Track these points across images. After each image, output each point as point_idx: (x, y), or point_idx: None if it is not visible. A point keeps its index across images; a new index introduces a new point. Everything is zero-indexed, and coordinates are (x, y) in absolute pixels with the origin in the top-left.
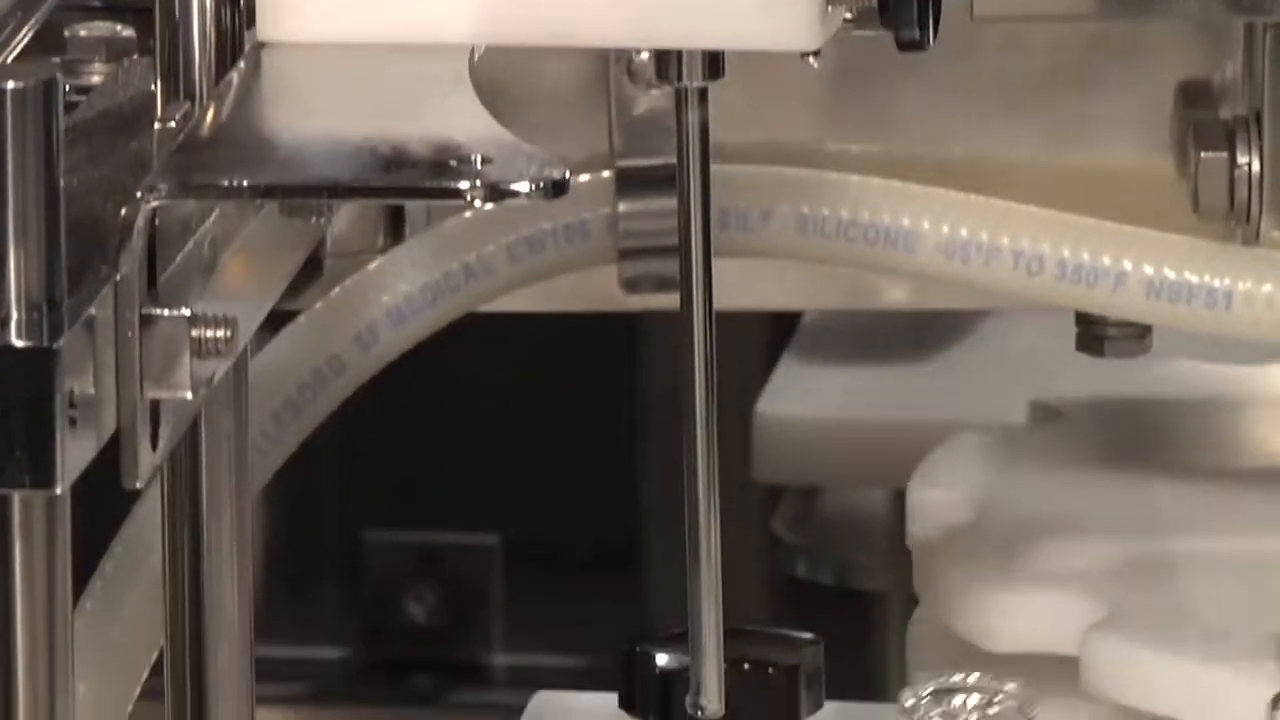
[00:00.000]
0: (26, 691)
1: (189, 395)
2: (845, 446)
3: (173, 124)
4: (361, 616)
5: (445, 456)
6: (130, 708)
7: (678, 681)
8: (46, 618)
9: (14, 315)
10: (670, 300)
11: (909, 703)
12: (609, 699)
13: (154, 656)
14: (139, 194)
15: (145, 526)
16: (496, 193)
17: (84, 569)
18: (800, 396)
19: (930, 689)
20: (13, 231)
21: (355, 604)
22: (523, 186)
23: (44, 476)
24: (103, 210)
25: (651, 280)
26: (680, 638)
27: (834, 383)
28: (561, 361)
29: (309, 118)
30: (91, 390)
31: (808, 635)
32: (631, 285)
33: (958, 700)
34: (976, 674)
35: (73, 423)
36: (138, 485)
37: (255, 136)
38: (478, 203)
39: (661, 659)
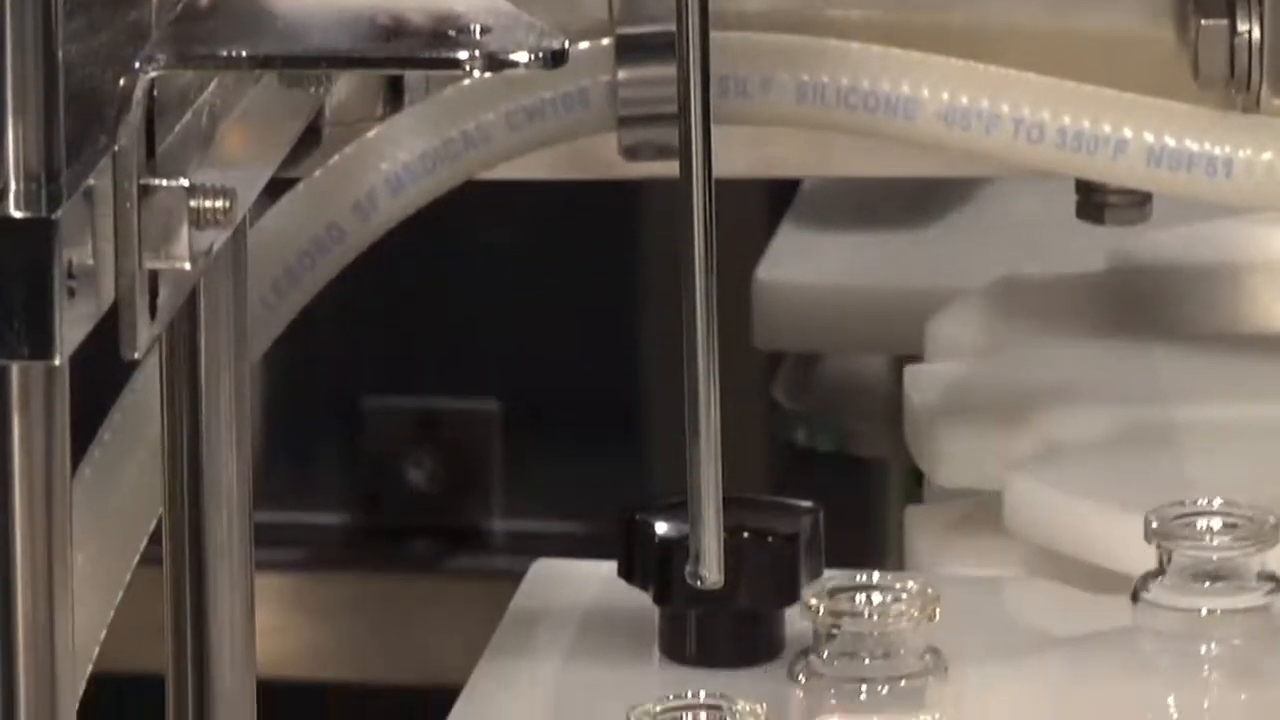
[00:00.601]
0: (25, 560)
1: (187, 266)
2: (845, 313)
3: None
4: (360, 482)
5: (445, 323)
6: (128, 576)
7: (677, 550)
8: (45, 489)
9: (12, 186)
10: (670, 168)
11: (810, 601)
12: (608, 567)
13: (153, 524)
14: (137, 65)
15: (144, 395)
16: (495, 63)
17: (83, 438)
18: (800, 263)
19: (830, 586)
20: (11, 102)
21: (354, 470)
22: (521, 56)
23: (42, 347)
24: (101, 80)
25: (651, 148)
26: (679, 506)
27: (833, 249)
28: (561, 229)
29: None
30: (90, 261)
31: (807, 504)
32: (631, 153)
33: (860, 597)
34: (878, 573)
35: (71, 293)
36: (136, 355)
37: (254, 6)
38: (476, 73)
39: (660, 528)
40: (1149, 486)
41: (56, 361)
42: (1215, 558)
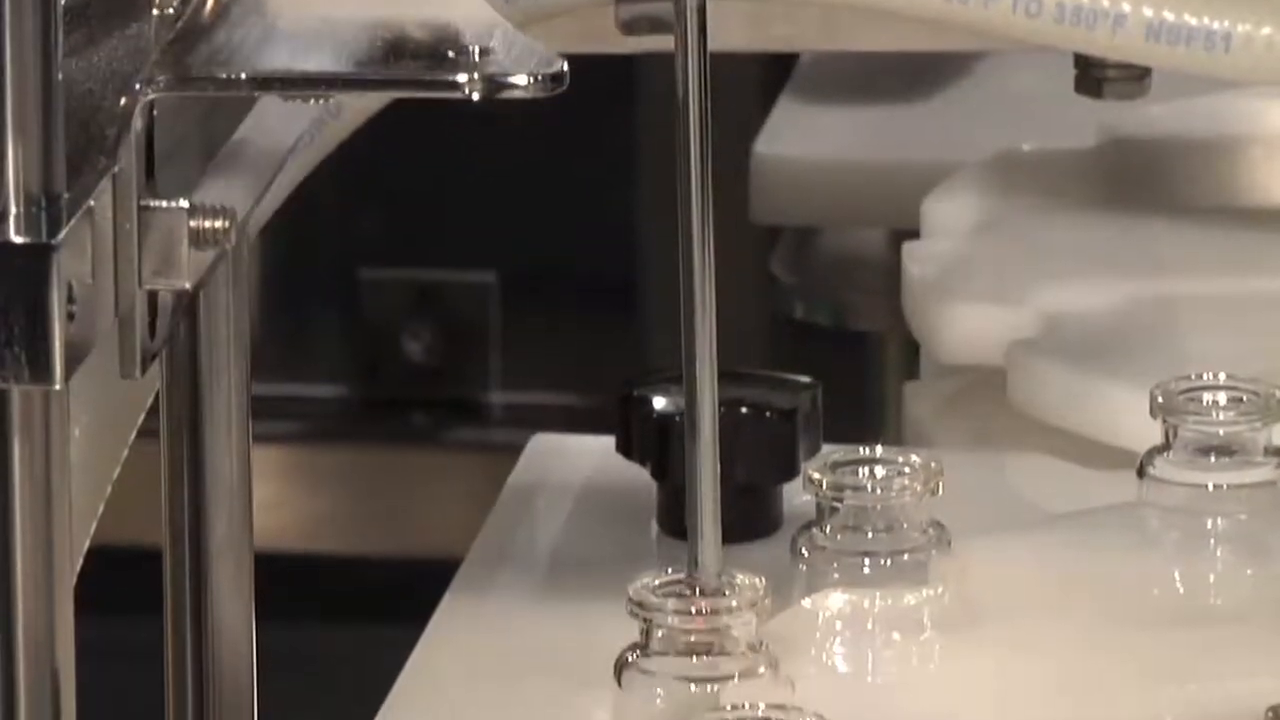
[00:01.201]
0: (23, 438)
1: (186, 285)
2: (843, 187)
3: (170, 10)
4: (358, 355)
5: (443, 195)
6: (125, 452)
7: (674, 425)
8: (45, 512)
9: (12, 210)
10: (666, 42)
11: (813, 475)
12: (606, 442)
13: (149, 400)
14: (137, 85)
15: None
16: (493, 86)
17: None
18: (798, 137)
19: (832, 460)
20: (12, 124)
21: (352, 343)
22: (520, 80)
23: (43, 371)
24: (100, 101)
25: (647, 22)
26: (677, 380)
27: (831, 123)
28: (559, 102)
29: (307, 5)
30: (89, 283)
31: (805, 379)
32: (628, 27)
33: (863, 471)
34: (881, 447)
35: (71, 317)
36: (136, 376)
37: (252, 25)
38: (475, 96)
39: (658, 403)
40: (1152, 361)
41: (57, 386)
42: (1221, 432)
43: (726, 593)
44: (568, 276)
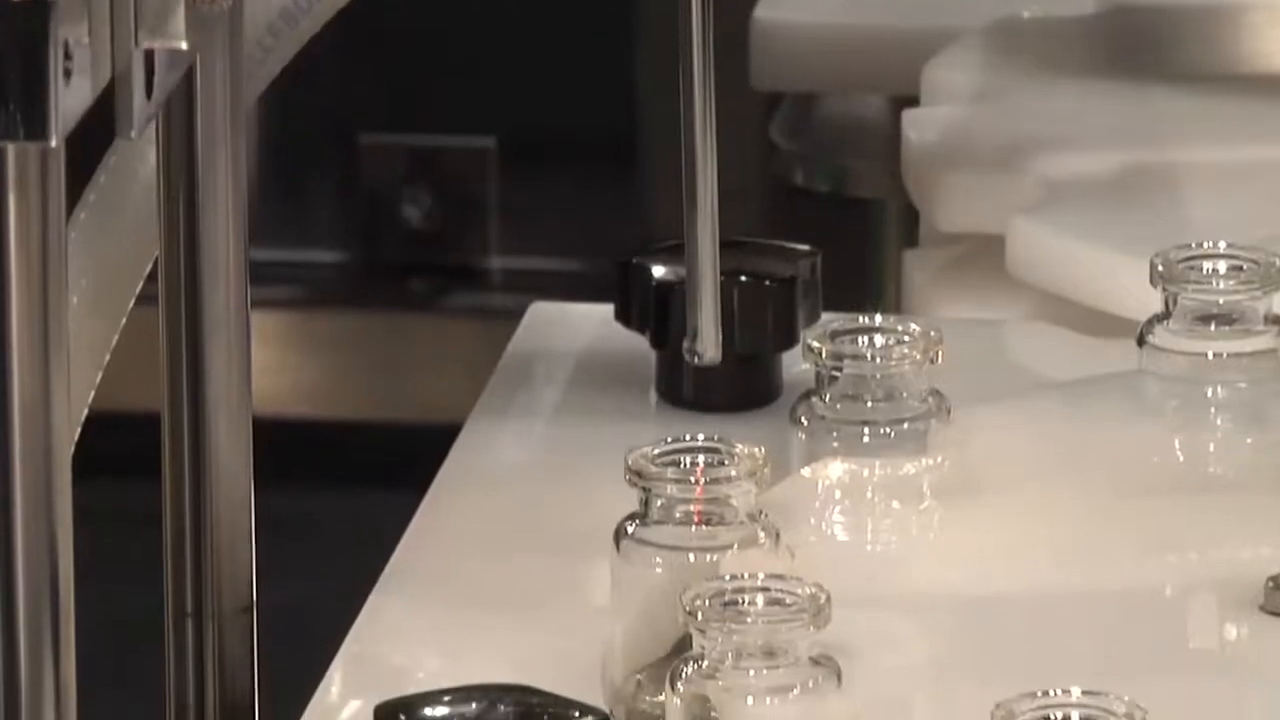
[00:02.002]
0: (21, 339)
1: (184, 45)
2: (843, 53)
3: None
4: (357, 220)
5: (441, 59)
6: (124, 319)
7: (673, 294)
8: (41, 270)
9: None
10: None
11: (813, 343)
12: (605, 310)
13: (148, 267)
14: None
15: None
16: None
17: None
18: (798, 2)
19: (832, 328)
20: None
21: (351, 207)
22: None
23: (38, 128)
24: None
25: None
26: (677, 249)
27: None
28: None
29: None
30: (86, 40)
31: (805, 247)
32: None
33: (863, 340)
34: (880, 315)
35: (67, 74)
36: (133, 135)
37: None
38: None
39: (657, 271)
40: (1152, 229)
41: (53, 143)
42: (1221, 300)
43: (725, 462)
44: (567, 142)
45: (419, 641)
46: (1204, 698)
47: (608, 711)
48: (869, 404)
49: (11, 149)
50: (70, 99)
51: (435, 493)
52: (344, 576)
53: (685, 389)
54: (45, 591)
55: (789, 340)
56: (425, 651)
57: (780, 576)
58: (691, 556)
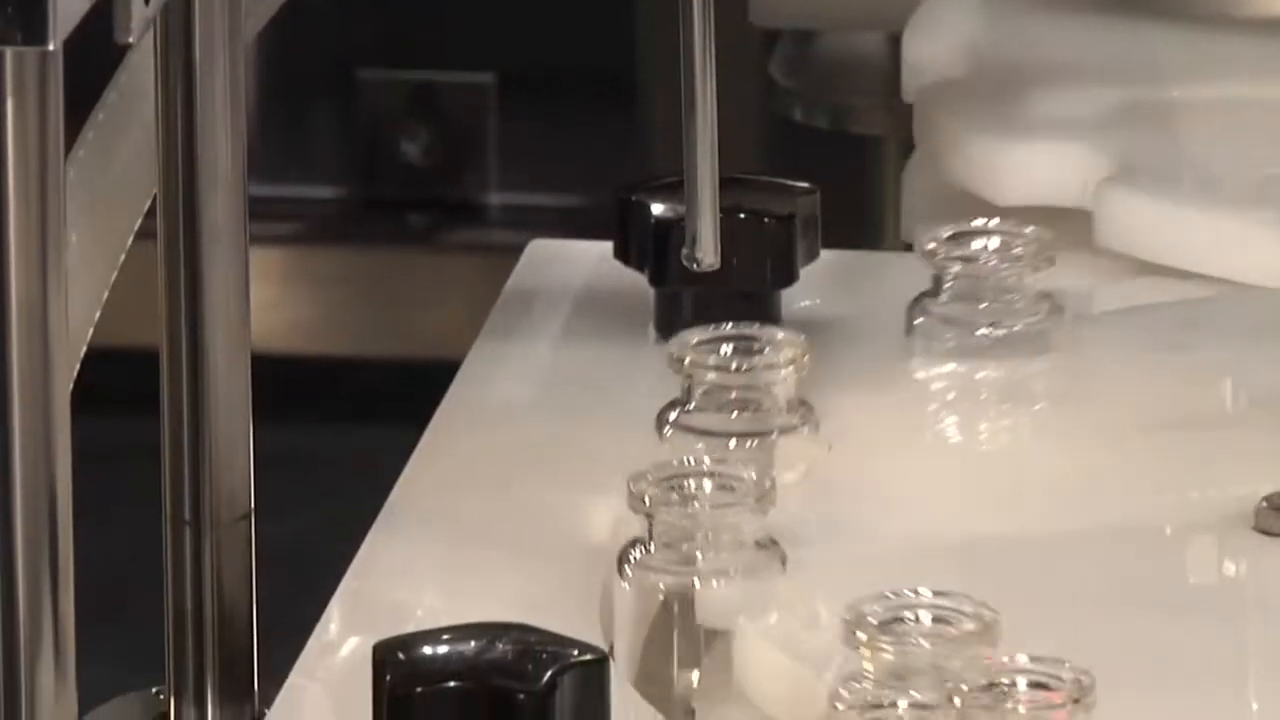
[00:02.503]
0: (19, 245)
1: None
2: None
3: None
4: (357, 156)
5: None
6: (123, 254)
7: (673, 231)
8: (39, 175)
9: None
10: None
11: (929, 246)
12: (604, 247)
13: (148, 203)
14: None
15: (138, 74)
16: None
17: (78, 126)
18: None
19: (949, 232)
20: None
21: (351, 143)
22: None
23: (37, 32)
24: None
25: None
26: (676, 186)
27: None
28: None
29: None
30: None
31: (804, 184)
32: None
33: (977, 243)
34: (996, 219)
35: None
36: (130, 40)
37: None
38: None
39: (656, 208)
40: (1150, 163)
41: (51, 46)
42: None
43: (768, 350)
44: (567, 78)
45: (418, 579)
46: (1198, 617)
47: (607, 649)
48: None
49: (10, 53)
50: (68, 2)
51: (434, 430)
52: (344, 512)
53: (684, 326)
54: (44, 527)
55: (788, 277)
56: (424, 589)
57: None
58: (732, 442)
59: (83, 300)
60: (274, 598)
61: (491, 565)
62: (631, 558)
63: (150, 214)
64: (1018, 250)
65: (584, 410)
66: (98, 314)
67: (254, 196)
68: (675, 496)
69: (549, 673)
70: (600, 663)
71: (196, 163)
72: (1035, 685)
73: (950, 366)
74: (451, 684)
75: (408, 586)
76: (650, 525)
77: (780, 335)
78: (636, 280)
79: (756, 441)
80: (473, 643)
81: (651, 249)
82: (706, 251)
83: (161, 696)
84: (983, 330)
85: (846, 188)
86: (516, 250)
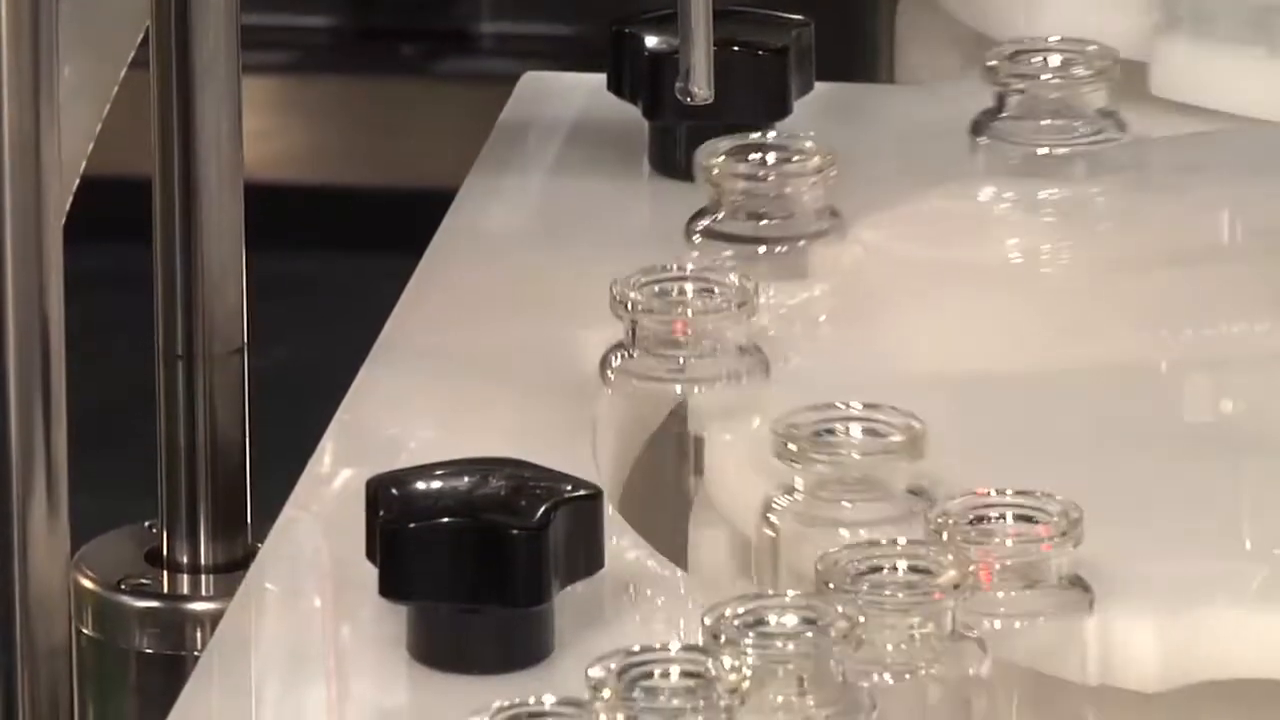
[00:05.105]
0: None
1: None
2: None
3: None
4: None
5: None
6: (116, 87)
7: (666, 64)
8: (31, 8)
9: None
10: None
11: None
12: (597, 80)
13: (141, 34)
14: None
15: None
16: None
17: None
18: None
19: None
20: None
21: None
22: None
23: None
24: None
25: None
26: (670, 19)
27: None
28: None
29: None
30: None
31: (798, 16)
32: None
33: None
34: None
35: None
36: None
37: None
38: None
39: (650, 41)
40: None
41: None
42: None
43: (796, 158)
44: None
45: (411, 412)
46: (1195, 467)
47: (600, 486)
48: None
49: None
50: None
51: (427, 263)
52: (338, 340)
53: (678, 159)
54: (36, 357)
55: (781, 111)
56: (417, 422)
57: (876, 406)
58: (761, 249)
59: (77, 131)
60: (267, 427)
61: (485, 399)
62: (613, 361)
63: (144, 44)
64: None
65: (578, 244)
66: (91, 145)
67: (246, 25)
68: (658, 302)
69: (543, 508)
70: (594, 498)
71: None
72: (1022, 519)
73: (959, 189)
74: (445, 519)
75: (401, 421)
76: (633, 329)
77: (809, 143)
78: (630, 113)
79: (786, 248)
80: (466, 478)
81: (645, 81)
82: (700, 85)
83: (154, 530)
84: (1043, 150)
85: (840, 20)
86: (510, 79)
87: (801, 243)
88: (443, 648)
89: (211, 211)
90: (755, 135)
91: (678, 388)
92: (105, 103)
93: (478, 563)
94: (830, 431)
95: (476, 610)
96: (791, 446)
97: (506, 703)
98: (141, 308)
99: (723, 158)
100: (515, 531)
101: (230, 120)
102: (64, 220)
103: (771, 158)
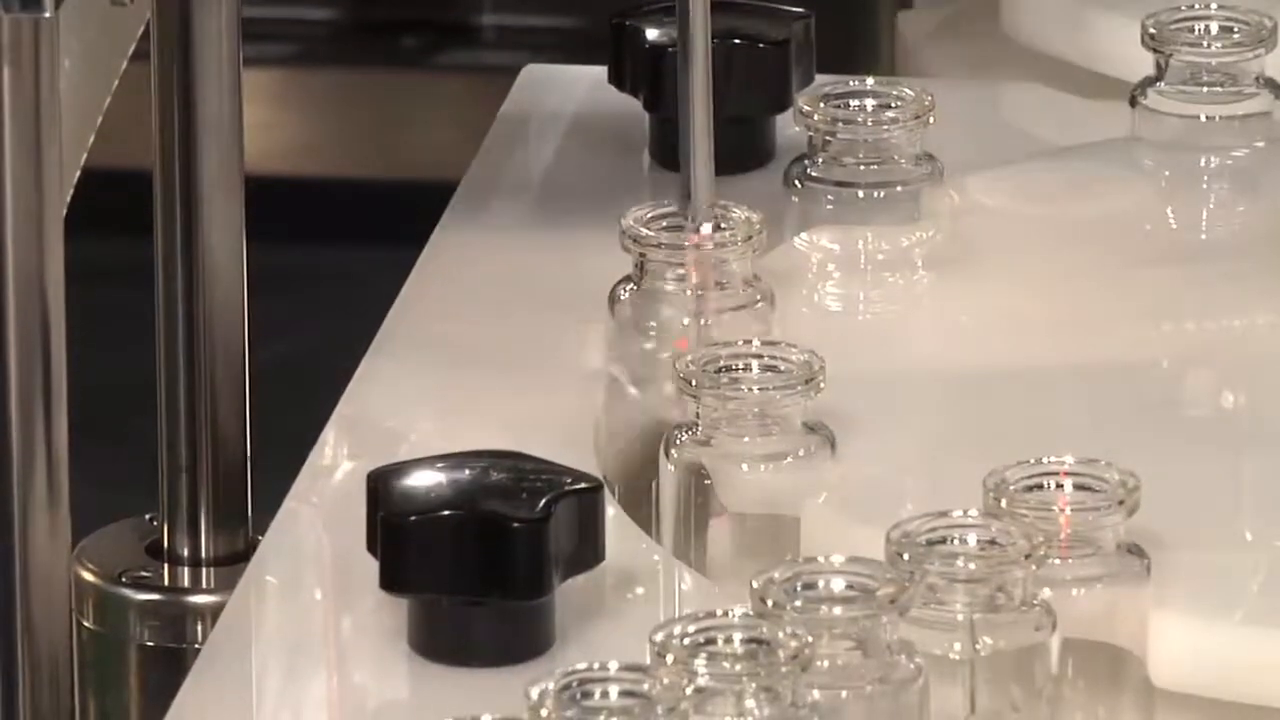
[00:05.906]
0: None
1: None
2: None
3: None
4: None
5: None
6: (116, 80)
7: (666, 55)
8: (34, 145)
9: None
10: None
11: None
12: (598, 72)
13: (142, 26)
14: None
15: None
16: None
17: None
18: None
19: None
20: None
21: None
22: None
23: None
24: None
25: None
26: (670, 11)
27: None
28: None
29: None
30: None
31: (799, 9)
32: None
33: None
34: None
35: None
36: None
37: None
38: None
39: (651, 33)
40: None
41: (47, 14)
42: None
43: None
44: None
45: (412, 405)
46: (1199, 464)
47: (601, 478)
48: (861, 167)
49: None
50: None
51: (428, 257)
52: (339, 333)
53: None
54: (37, 350)
55: (782, 103)
56: (418, 415)
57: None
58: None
59: (77, 123)
60: (268, 419)
61: (486, 392)
62: (620, 295)
63: (144, 36)
64: (895, 110)
65: (579, 236)
66: (91, 137)
67: (247, 18)
68: (665, 235)
69: (543, 501)
70: (595, 491)
71: None
72: (1080, 488)
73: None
74: (445, 512)
75: (402, 413)
76: (643, 263)
77: (907, 90)
78: (631, 105)
79: (885, 193)
80: (467, 470)
81: (646, 74)
82: (701, 216)
83: (155, 523)
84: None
85: (841, 12)
86: (510, 72)
87: (898, 188)
88: (444, 640)
89: (212, 203)
90: (854, 81)
91: (684, 319)
92: (106, 94)
93: (479, 555)
94: (728, 369)
95: (478, 603)
96: (690, 382)
97: (570, 668)
98: (142, 300)
99: (822, 104)
100: (516, 524)
101: (231, 112)
102: (64, 212)
103: (870, 104)
